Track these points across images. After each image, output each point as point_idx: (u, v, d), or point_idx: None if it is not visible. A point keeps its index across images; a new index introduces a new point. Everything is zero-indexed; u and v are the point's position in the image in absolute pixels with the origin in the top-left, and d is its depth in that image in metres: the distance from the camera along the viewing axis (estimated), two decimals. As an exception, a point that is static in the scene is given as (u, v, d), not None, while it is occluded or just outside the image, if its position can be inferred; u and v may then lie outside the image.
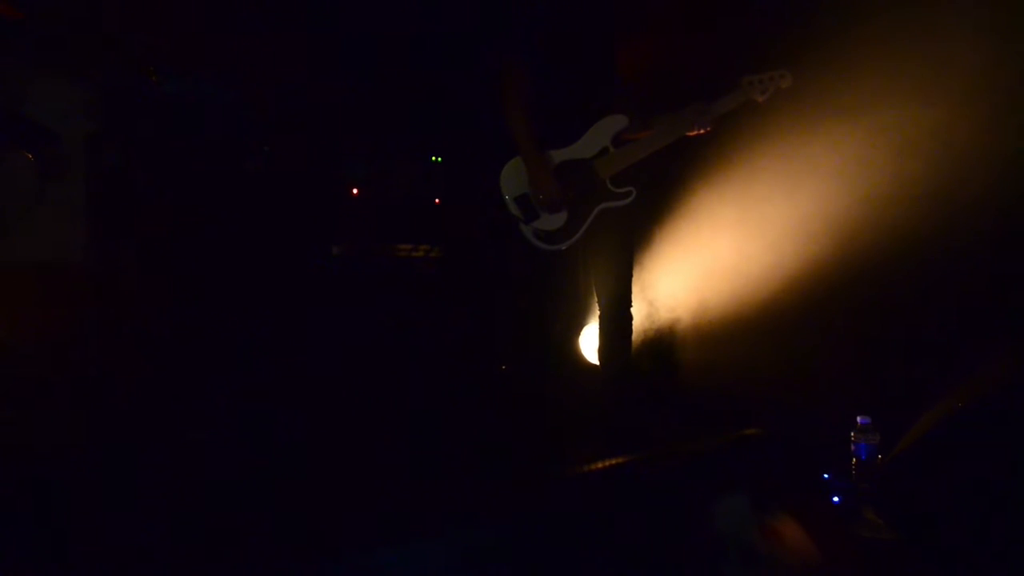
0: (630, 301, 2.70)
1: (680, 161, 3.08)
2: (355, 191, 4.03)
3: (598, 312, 2.73)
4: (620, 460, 1.36)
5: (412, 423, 2.93)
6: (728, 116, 2.54)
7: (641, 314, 2.99)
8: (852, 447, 2.07)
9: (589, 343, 3.41)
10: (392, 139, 4.08)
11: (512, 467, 2.45)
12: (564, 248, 2.59)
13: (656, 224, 3.34)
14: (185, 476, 2.36)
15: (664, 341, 3.33)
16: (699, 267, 3.24)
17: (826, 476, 2.09)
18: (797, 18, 2.90)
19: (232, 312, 3.21)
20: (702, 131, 2.51)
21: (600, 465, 1.34)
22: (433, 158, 4.14)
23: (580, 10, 2.57)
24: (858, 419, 2.07)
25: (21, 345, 2.99)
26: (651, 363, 3.28)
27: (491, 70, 2.64)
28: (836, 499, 2.05)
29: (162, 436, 2.66)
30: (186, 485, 2.28)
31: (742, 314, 3.08)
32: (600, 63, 2.58)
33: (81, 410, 2.86)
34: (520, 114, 2.53)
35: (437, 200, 4.12)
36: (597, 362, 3.21)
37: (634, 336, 2.75)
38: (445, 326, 3.70)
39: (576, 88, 2.56)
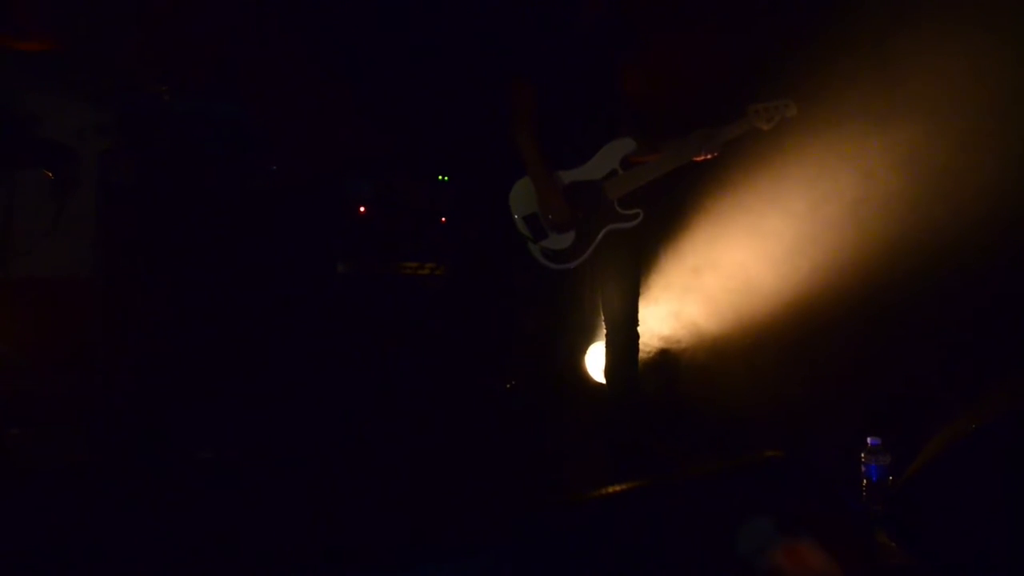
0: (637, 320, 2.71)
1: (684, 181, 3.10)
2: (362, 209, 4.05)
3: (605, 331, 2.75)
4: (636, 484, 1.35)
5: (418, 442, 2.92)
6: (734, 142, 2.57)
7: (647, 333, 3.00)
8: (862, 468, 2.06)
9: (595, 361, 3.41)
10: (399, 158, 4.11)
11: (519, 489, 2.44)
12: (572, 267, 2.61)
13: (661, 243, 3.36)
14: (189, 495, 2.35)
15: (671, 360, 3.33)
16: (705, 287, 3.25)
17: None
18: (799, 44, 2.93)
19: (239, 329, 3.21)
20: (708, 156, 2.54)
21: (615, 488, 1.33)
22: (440, 177, 4.17)
23: (588, 33, 2.60)
24: (868, 440, 2.07)
25: (27, 361, 2.99)
26: (658, 382, 3.28)
27: (499, 89, 2.67)
28: (847, 521, 2.04)
29: (168, 454, 2.65)
30: (190, 504, 2.27)
31: (749, 334, 3.09)
32: (608, 86, 2.62)
33: (86, 427, 2.85)
34: (528, 134, 2.56)
35: (443, 219, 4.14)
36: (603, 381, 3.21)
37: (640, 355, 2.76)
38: (450, 343, 3.70)
39: (585, 111, 2.60)
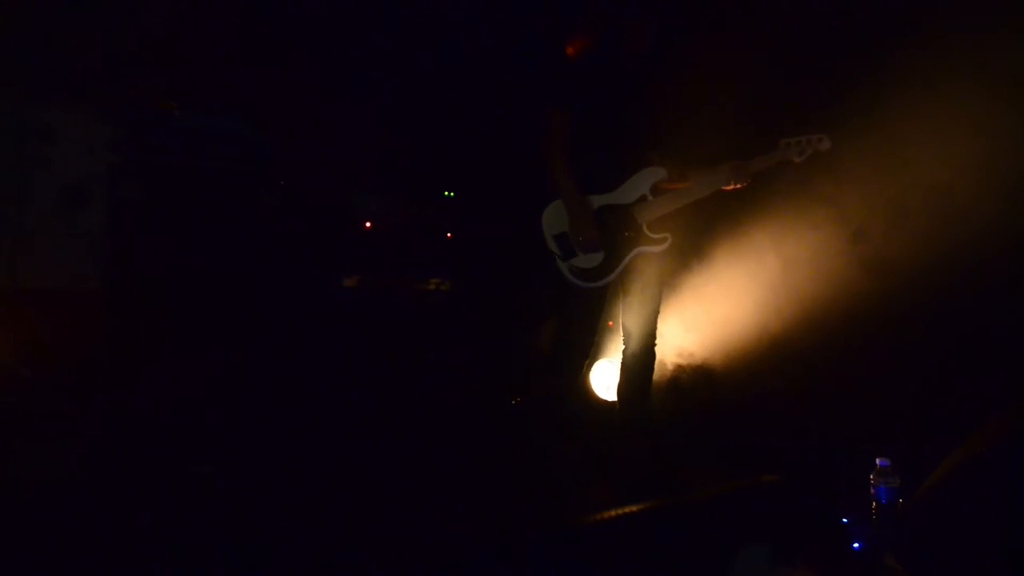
0: (655, 342, 2.79)
1: (716, 210, 3.14)
2: (368, 224, 4.07)
3: (621, 349, 2.79)
4: (637, 507, 1.34)
5: (421, 458, 2.91)
6: (764, 173, 2.65)
7: (660, 354, 3.02)
8: (872, 490, 2.04)
9: (600, 380, 3.39)
10: (406, 174, 4.13)
11: (523, 509, 2.43)
12: (598, 286, 2.68)
13: (676, 268, 3.37)
14: (191, 510, 2.33)
15: (682, 381, 3.32)
16: (717, 308, 3.26)
17: (845, 520, 2.05)
18: (834, 82, 2.99)
19: (245, 342, 3.21)
20: (737, 186, 2.64)
21: (616, 512, 1.32)
22: (446, 193, 4.19)
23: (626, 65, 2.67)
24: (878, 461, 2.05)
25: (31, 372, 2.99)
26: (669, 402, 3.27)
27: (536, 117, 2.75)
28: (856, 545, 2.01)
29: (169, 468, 2.63)
30: (187, 520, 2.26)
31: (758, 356, 3.10)
32: (643, 117, 2.70)
33: (89, 439, 2.84)
34: (562, 161, 2.68)
35: (448, 235, 4.15)
36: (609, 399, 3.19)
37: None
38: (456, 359, 3.69)
39: (619, 139, 2.69)
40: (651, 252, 2.68)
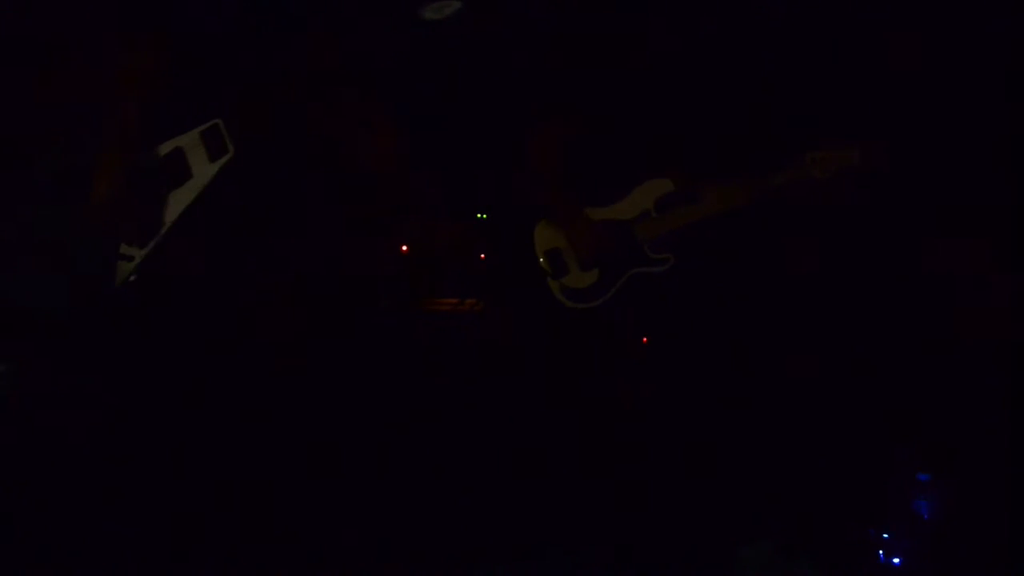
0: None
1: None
2: (404, 248, 4.13)
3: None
4: (641, 507, 1.32)
5: (448, 479, 2.91)
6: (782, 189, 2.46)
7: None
8: (912, 505, 1.98)
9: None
10: (439, 196, 4.17)
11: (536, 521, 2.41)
12: (592, 306, 2.58)
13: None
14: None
15: (703, 373, 3.25)
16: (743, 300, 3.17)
17: (885, 536, 2.00)
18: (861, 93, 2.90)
19: (275, 368, 3.26)
20: (751, 203, 2.46)
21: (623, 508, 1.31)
22: (478, 215, 4.22)
23: (622, 73, 2.63)
24: (918, 476, 1.99)
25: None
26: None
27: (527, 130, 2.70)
28: (896, 561, 1.95)
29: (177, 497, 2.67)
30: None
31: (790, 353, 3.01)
32: (648, 125, 2.61)
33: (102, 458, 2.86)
34: (553, 173, 2.58)
35: (482, 255, 4.17)
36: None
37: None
38: (490, 380, 3.70)
39: (622, 149, 2.61)
40: (651, 273, 2.53)
